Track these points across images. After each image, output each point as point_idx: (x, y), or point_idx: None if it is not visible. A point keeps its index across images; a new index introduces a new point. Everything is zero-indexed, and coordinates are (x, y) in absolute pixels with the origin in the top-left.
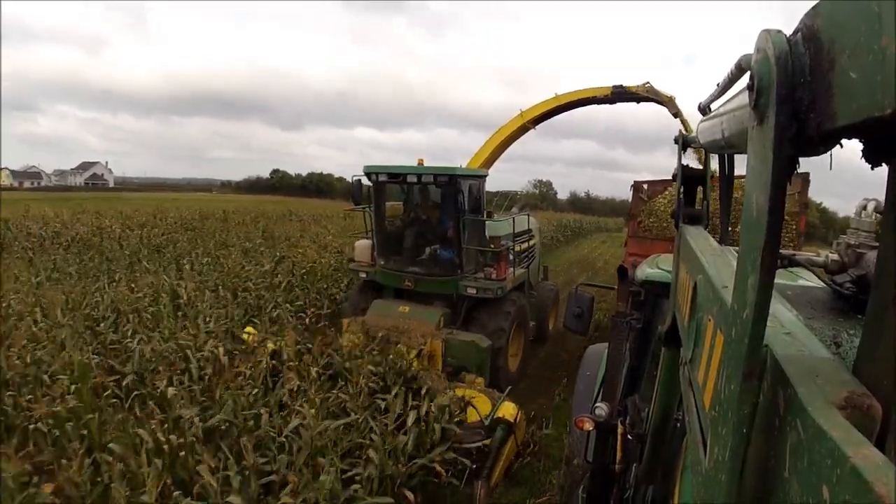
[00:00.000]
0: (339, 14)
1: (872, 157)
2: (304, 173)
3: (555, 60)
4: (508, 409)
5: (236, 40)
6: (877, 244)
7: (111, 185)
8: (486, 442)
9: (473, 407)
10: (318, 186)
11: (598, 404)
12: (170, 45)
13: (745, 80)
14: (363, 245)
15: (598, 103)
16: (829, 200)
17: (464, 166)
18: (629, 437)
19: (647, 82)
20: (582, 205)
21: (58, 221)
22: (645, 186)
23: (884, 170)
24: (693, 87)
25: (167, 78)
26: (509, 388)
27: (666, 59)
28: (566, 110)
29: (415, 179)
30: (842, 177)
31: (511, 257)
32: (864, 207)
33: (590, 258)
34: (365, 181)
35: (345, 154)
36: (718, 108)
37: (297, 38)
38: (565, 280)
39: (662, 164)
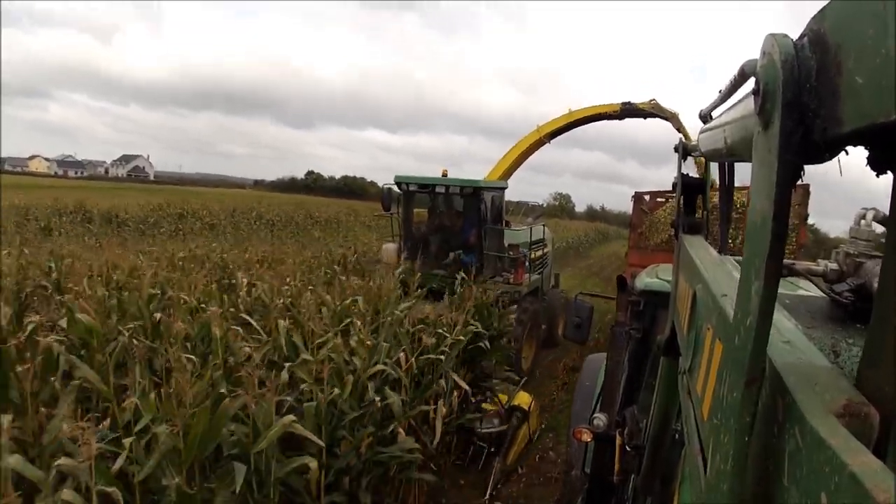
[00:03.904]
0: (352, 12)
1: (877, 164)
2: (318, 174)
3: (568, 66)
4: (523, 399)
5: (247, 36)
6: (876, 254)
7: (152, 177)
8: (504, 427)
9: (496, 397)
10: (352, 188)
11: (596, 415)
12: (181, 36)
13: (747, 88)
14: (390, 248)
15: (608, 119)
16: (820, 220)
17: (484, 178)
18: (627, 447)
19: (653, 99)
20: (598, 216)
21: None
22: (646, 198)
23: (879, 182)
24: (701, 96)
25: (177, 70)
26: (524, 379)
27: (674, 70)
28: (579, 125)
29: (442, 190)
30: (835, 196)
31: (527, 264)
32: (864, 217)
33: (619, 253)
34: (395, 189)
35: (354, 155)
36: (720, 115)
37: (309, 36)
38: (609, 262)
39: (673, 178)
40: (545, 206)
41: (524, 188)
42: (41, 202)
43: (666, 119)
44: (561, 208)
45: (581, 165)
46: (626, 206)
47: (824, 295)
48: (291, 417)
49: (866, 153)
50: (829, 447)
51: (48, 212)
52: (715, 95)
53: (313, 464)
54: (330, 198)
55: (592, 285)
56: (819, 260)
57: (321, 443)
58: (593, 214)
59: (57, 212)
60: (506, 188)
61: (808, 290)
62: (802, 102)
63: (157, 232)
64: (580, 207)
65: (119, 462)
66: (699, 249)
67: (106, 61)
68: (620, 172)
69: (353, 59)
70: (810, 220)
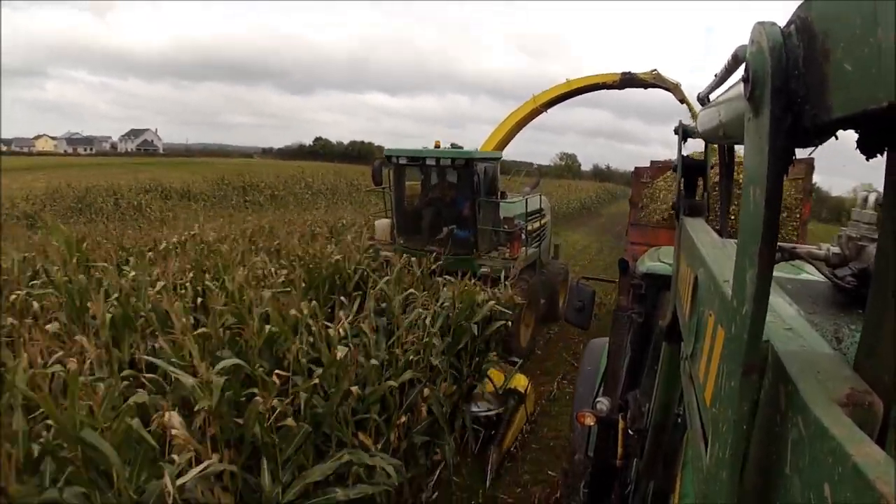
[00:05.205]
0: None
1: (868, 148)
2: (327, 140)
3: (574, 30)
4: (520, 381)
5: (242, 24)
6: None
7: (161, 150)
8: (500, 411)
9: (489, 378)
10: (360, 153)
11: (599, 399)
12: (177, 6)
13: (741, 72)
14: (383, 224)
15: (607, 89)
16: (823, 179)
17: (479, 148)
18: (630, 432)
19: (654, 70)
20: (604, 176)
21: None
22: (647, 172)
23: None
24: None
25: (174, 40)
26: (520, 361)
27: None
28: (577, 95)
29: (433, 162)
30: (835, 156)
31: (523, 237)
32: (865, 199)
33: (627, 211)
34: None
35: (355, 119)
36: (717, 98)
37: (307, 23)
38: (619, 220)
39: (673, 159)
40: (552, 165)
41: (530, 147)
42: (117, 181)
43: (668, 90)
44: (567, 168)
45: (585, 124)
46: (631, 166)
47: (826, 279)
48: (492, 302)
49: (857, 136)
50: (832, 437)
51: (131, 191)
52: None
53: (508, 324)
54: (338, 163)
55: (606, 241)
56: (821, 244)
57: (511, 315)
58: (599, 174)
59: (140, 190)
60: (500, 158)
61: (811, 274)
62: (791, 89)
63: (229, 204)
64: (586, 166)
65: (428, 318)
66: (700, 232)
67: (102, 35)
68: (625, 130)
69: (353, 21)
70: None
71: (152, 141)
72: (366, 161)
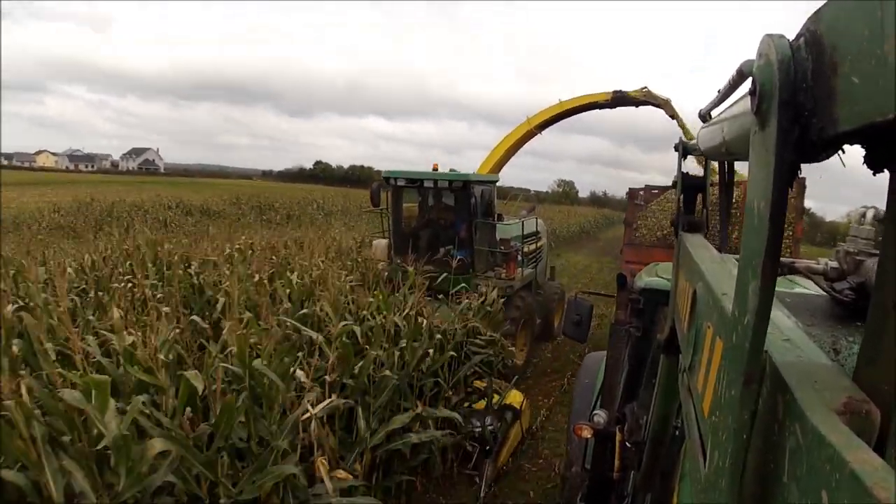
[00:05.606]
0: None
1: (874, 163)
2: (327, 163)
3: (572, 53)
4: (515, 397)
5: (242, 23)
6: (876, 252)
7: (162, 170)
8: (496, 426)
9: (486, 396)
10: (360, 178)
11: (596, 412)
12: (176, 24)
13: (745, 87)
14: (381, 244)
15: (599, 108)
16: (816, 205)
17: (475, 171)
18: (627, 444)
19: (645, 87)
20: (601, 202)
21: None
22: (641, 193)
23: (870, 175)
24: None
25: (174, 59)
26: (516, 377)
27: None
28: (570, 115)
29: (431, 184)
30: (827, 181)
31: (519, 258)
32: (863, 215)
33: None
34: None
35: (354, 144)
36: (719, 114)
37: (307, 23)
38: (617, 243)
39: (675, 165)
40: (549, 191)
41: (527, 174)
42: (139, 197)
43: (658, 106)
44: (565, 195)
45: (583, 151)
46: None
47: (825, 293)
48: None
49: (863, 151)
50: (829, 445)
51: (155, 207)
52: (714, 94)
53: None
54: (337, 187)
55: (605, 262)
56: (819, 258)
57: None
58: (596, 200)
59: (163, 206)
60: (496, 181)
61: (809, 288)
62: (798, 103)
63: (247, 221)
64: (583, 193)
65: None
66: (699, 248)
67: (102, 52)
68: (622, 158)
69: (352, 45)
70: (806, 204)
71: (153, 160)
72: (366, 185)
